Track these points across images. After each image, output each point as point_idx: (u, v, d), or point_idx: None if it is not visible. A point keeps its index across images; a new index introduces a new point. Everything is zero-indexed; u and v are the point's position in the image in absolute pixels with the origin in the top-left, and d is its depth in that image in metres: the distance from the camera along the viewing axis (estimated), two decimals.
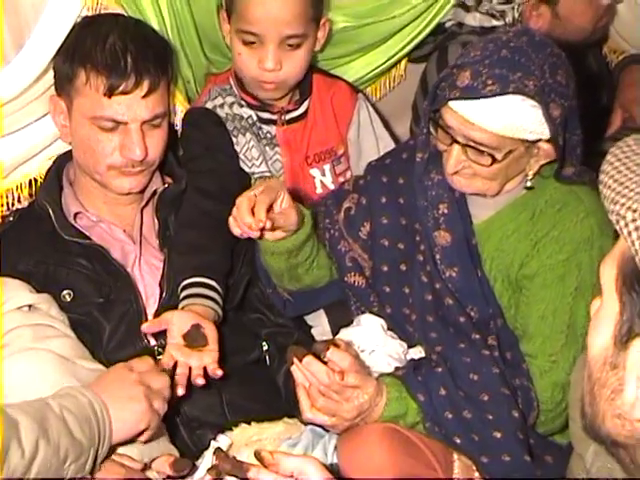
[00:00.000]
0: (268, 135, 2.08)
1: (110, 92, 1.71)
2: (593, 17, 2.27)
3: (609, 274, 0.91)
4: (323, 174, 2.10)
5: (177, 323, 1.65)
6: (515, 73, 1.55)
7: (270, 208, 1.62)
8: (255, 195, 1.62)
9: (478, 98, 1.56)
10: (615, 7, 2.40)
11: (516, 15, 2.27)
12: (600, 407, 0.91)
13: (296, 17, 1.91)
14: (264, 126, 2.07)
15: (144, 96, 1.73)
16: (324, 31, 2.03)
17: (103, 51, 1.72)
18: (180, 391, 1.59)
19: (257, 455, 1.22)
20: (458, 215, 1.74)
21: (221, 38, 2.05)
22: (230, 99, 2.07)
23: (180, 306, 1.72)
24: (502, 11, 2.28)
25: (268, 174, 2.08)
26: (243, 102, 2.07)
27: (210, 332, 1.67)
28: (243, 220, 1.59)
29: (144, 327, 1.70)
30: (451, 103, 1.60)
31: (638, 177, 0.90)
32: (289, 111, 2.07)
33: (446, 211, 1.74)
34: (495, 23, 2.30)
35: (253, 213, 1.59)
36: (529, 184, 1.70)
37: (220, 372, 1.63)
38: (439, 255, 1.74)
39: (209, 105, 2.06)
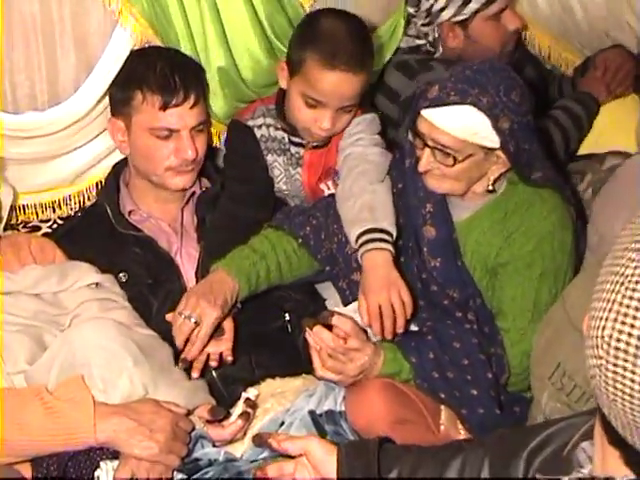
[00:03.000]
0: (296, 155, 2.13)
1: (165, 106, 1.90)
2: (500, 40, 2.33)
3: None
4: (329, 188, 2.16)
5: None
6: (474, 89, 1.68)
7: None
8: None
9: (442, 106, 1.69)
10: (520, 35, 2.49)
11: (436, 35, 2.34)
12: None
13: (357, 92, 1.98)
14: (293, 147, 2.13)
15: (191, 107, 1.92)
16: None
17: (155, 75, 1.91)
18: (194, 375, 1.76)
19: (267, 443, 1.34)
20: (441, 213, 1.84)
21: (261, 74, 2.13)
22: (270, 120, 2.13)
23: None
24: (425, 33, 2.35)
25: (287, 192, 2.18)
26: (279, 125, 2.12)
27: (227, 324, 1.84)
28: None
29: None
30: (422, 112, 1.73)
31: None
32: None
33: (431, 209, 1.84)
34: (418, 42, 2.38)
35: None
36: (491, 188, 1.80)
37: (231, 359, 1.81)
38: (426, 247, 1.84)
39: (250, 123, 2.13)
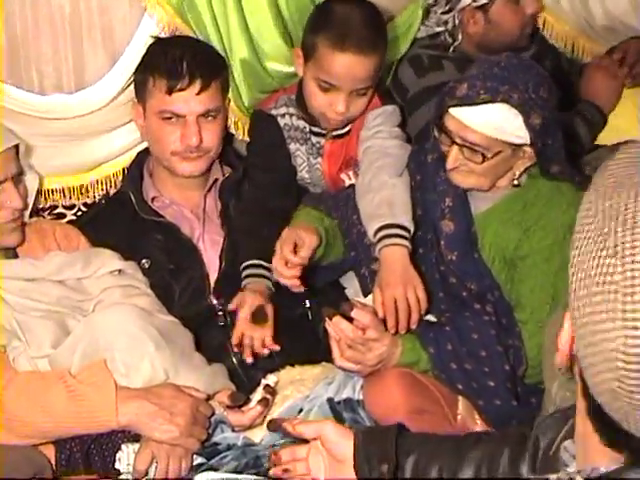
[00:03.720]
0: (317, 145, 2.13)
1: (170, 90, 1.92)
2: (519, 23, 2.34)
3: None
4: (349, 178, 2.14)
5: (248, 302, 1.85)
6: (504, 86, 1.67)
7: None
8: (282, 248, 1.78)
9: (472, 105, 1.69)
10: (537, 17, 2.47)
11: (456, 22, 2.33)
12: None
13: (369, 74, 1.98)
14: (314, 137, 2.12)
15: (197, 93, 1.93)
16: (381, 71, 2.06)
17: (166, 60, 1.93)
18: (249, 360, 1.80)
19: (281, 428, 1.34)
20: (460, 207, 1.84)
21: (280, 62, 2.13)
22: (292, 110, 2.12)
23: (243, 283, 1.90)
24: (445, 21, 2.34)
25: (308, 181, 2.17)
26: (300, 114, 2.11)
27: (270, 311, 1.86)
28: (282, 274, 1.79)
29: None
30: (451, 110, 1.72)
31: None
32: (336, 128, 2.10)
33: (451, 204, 1.84)
34: (437, 29, 2.37)
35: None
36: (516, 182, 1.80)
37: (277, 347, 1.82)
38: (443, 241, 1.84)
39: (273, 112, 2.12)
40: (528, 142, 1.72)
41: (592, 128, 2.36)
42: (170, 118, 1.95)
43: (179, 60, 1.93)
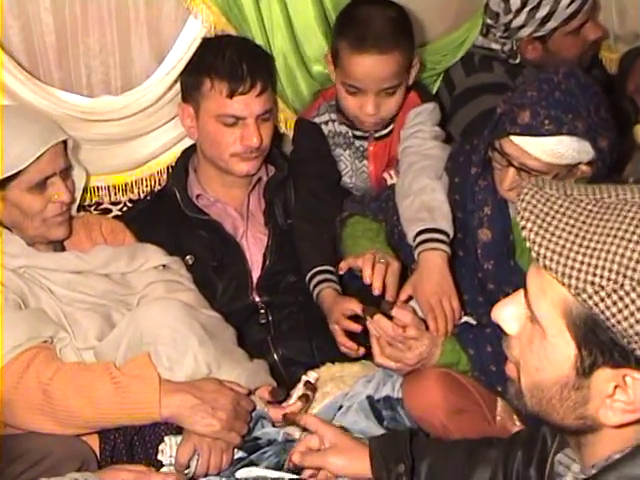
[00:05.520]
0: (361, 148, 2.13)
1: (232, 94, 1.92)
2: (579, 51, 2.30)
3: (551, 318, 0.96)
4: (391, 177, 2.14)
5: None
6: (567, 115, 1.62)
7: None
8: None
9: (537, 136, 1.64)
10: (601, 42, 2.42)
11: (514, 47, 2.30)
12: (559, 411, 0.97)
13: (392, 73, 1.96)
14: (357, 141, 2.13)
15: (258, 95, 1.93)
16: (415, 68, 2.05)
17: (223, 62, 1.92)
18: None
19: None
20: (499, 215, 1.82)
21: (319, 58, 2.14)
22: (333, 116, 2.13)
23: (316, 290, 1.89)
24: (503, 43, 2.31)
25: (351, 185, 2.18)
26: (341, 119, 2.12)
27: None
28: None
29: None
30: (512, 136, 1.68)
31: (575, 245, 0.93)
32: (377, 130, 2.11)
33: (489, 212, 1.83)
34: (494, 46, 2.34)
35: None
36: None
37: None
38: (480, 250, 1.83)
39: (317, 120, 2.13)
40: (584, 161, 1.69)
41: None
42: (230, 121, 1.94)
43: (238, 62, 1.92)
